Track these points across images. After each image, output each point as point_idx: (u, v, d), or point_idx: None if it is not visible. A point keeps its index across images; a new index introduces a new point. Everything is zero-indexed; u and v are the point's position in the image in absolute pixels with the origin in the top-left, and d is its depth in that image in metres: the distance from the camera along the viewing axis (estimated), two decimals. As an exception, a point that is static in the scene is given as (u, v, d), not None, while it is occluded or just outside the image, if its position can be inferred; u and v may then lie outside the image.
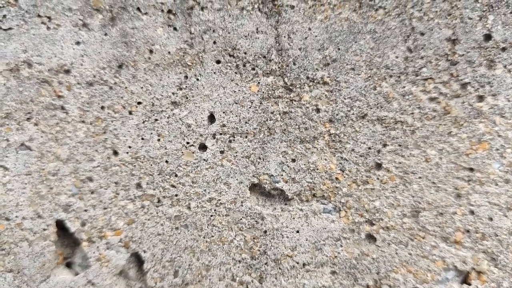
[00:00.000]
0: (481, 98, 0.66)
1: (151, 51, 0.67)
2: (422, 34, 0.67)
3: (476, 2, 0.67)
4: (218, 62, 0.67)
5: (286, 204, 0.66)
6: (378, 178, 0.66)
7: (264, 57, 0.67)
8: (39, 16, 0.67)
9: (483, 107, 0.66)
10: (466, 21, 0.67)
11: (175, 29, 0.67)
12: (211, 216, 0.66)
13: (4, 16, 0.67)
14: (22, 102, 0.67)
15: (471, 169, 0.66)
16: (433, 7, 0.67)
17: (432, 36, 0.67)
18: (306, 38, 0.67)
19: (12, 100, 0.67)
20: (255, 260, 0.66)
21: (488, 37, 0.66)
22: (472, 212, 0.65)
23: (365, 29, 0.67)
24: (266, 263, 0.67)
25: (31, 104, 0.67)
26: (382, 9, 0.67)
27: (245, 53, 0.67)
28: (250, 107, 0.67)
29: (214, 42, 0.67)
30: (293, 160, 0.66)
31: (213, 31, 0.67)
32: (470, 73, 0.67)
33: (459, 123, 0.66)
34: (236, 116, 0.67)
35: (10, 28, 0.67)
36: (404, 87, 0.67)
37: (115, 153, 0.67)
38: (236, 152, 0.66)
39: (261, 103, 0.67)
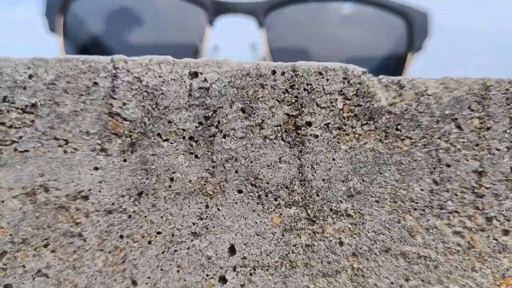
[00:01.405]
0: (506, 232, 0.65)
1: (171, 179, 0.66)
2: (449, 166, 0.66)
3: (504, 132, 0.65)
4: (240, 191, 0.66)
5: (306, 337, 0.65)
6: (400, 313, 0.65)
7: (287, 187, 0.66)
8: (56, 138, 0.66)
9: (508, 241, 0.65)
10: (493, 152, 0.66)
11: (196, 156, 0.66)
12: None
13: (20, 137, 0.65)
14: (38, 228, 0.65)
15: (494, 305, 0.65)
16: (461, 137, 0.66)
17: (458, 168, 0.66)
18: (330, 169, 0.66)
19: (28, 225, 0.65)
20: None
21: (515, 169, 0.65)
22: None
23: (390, 160, 0.66)
24: None
25: (48, 230, 0.65)
26: (408, 139, 0.66)
27: (267, 183, 0.66)
28: (271, 239, 0.66)
29: (236, 171, 0.66)
30: (315, 294, 0.65)
31: (235, 160, 0.65)
32: (496, 206, 0.65)
33: (483, 258, 0.65)
34: (258, 248, 0.65)
35: (26, 151, 0.65)
36: (428, 220, 0.66)
37: (134, 283, 0.65)
38: (256, 286, 0.65)
39: (283, 235, 0.66)
